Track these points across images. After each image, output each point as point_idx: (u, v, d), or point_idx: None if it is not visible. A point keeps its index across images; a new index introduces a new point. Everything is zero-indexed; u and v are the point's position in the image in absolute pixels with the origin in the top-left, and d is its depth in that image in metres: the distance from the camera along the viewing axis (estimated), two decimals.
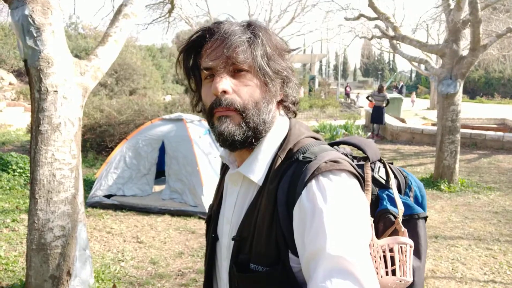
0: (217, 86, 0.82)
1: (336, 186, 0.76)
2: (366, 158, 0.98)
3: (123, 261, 3.74)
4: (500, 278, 3.53)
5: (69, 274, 2.90)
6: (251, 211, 0.87)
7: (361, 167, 0.94)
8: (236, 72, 0.83)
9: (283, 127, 0.92)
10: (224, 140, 0.86)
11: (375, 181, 0.94)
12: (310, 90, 26.38)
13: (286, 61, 0.89)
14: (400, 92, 26.65)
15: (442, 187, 6.34)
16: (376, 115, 11.12)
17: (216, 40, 0.82)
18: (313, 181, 0.77)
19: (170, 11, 5.82)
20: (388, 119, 12.12)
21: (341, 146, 1.03)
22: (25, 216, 4.76)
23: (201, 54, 0.86)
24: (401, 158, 8.74)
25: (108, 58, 3.12)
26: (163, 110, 9.37)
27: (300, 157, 0.83)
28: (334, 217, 0.72)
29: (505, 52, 15.28)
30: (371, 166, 0.97)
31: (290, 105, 0.93)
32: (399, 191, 0.97)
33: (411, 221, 0.93)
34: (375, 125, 11.42)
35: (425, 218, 0.97)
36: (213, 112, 0.85)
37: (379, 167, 0.98)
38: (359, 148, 1.00)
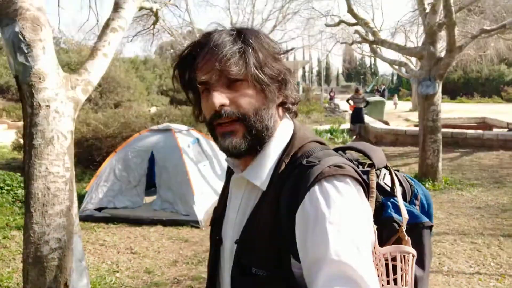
0: (214, 101, 0.82)
1: (339, 192, 0.76)
2: (371, 165, 0.96)
3: (118, 271, 3.77)
4: (485, 269, 3.68)
5: (66, 286, 2.92)
6: (254, 215, 0.87)
7: (366, 173, 0.92)
8: (231, 82, 0.83)
9: (287, 131, 0.92)
10: (230, 154, 0.88)
11: (380, 188, 0.93)
12: None
13: (281, 63, 0.89)
14: (382, 95, 27.13)
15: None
16: (356, 116, 12.06)
17: (207, 53, 0.82)
18: (316, 186, 0.77)
19: (154, 23, 5.90)
20: (372, 121, 12.36)
21: (348, 151, 1.02)
22: (15, 233, 4.74)
23: (194, 68, 0.85)
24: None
25: (98, 71, 3.19)
26: (150, 122, 9.38)
27: (304, 162, 0.82)
28: (337, 222, 0.72)
29: (481, 52, 15.77)
30: (376, 173, 0.95)
31: (291, 106, 0.94)
32: (404, 199, 0.96)
33: (416, 230, 0.92)
34: (357, 125, 12.12)
35: (431, 227, 0.95)
36: (214, 125, 0.86)
37: (384, 174, 0.97)
38: (365, 154, 0.99)
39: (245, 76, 0.82)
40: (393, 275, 0.84)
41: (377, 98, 18.51)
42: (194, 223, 4.95)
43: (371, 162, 0.96)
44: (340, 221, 0.72)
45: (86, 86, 3.08)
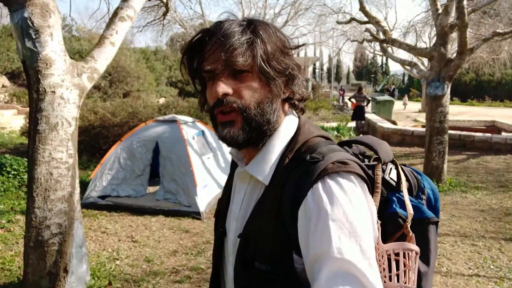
0: (218, 89, 0.82)
1: (343, 189, 0.75)
2: (377, 159, 0.94)
3: (118, 259, 3.82)
4: (484, 272, 3.66)
5: (66, 271, 2.97)
6: (257, 209, 0.87)
7: (372, 167, 0.91)
8: (237, 73, 0.82)
9: (292, 126, 0.91)
10: (228, 144, 0.88)
11: (385, 182, 0.91)
12: None
13: (290, 58, 0.87)
14: (392, 94, 26.98)
15: None
16: (358, 113, 12.67)
17: (215, 42, 0.81)
18: (319, 183, 0.76)
19: (164, 14, 5.91)
20: (379, 121, 12.30)
21: (354, 145, 1.02)
22: (20, 217, 4.81)
23: (202, 56, 0.85)
24: None
25: (104, 60, 3.21)
26: (157, 112, 9.43)
27: (308, 157, 0.82)
28: (340, 220, 0.71)
29: (494, 55, 15.57)
30: (382, 167, 0.93)
31: (297, 102, 0.92)
32: (411, 194, 0.94)
33: (421, 225, 0.90)
34: (359, 122, 12.78)
35: (436, 223, 0.93)
36: (215, 114, 0.86)
37: (390, 169, 0.95)
38: (371, 148, 0.97)
39: (251, 68, 0.82)
40: (396, 271, 0.83)
41: (386, 97, 18.37)
42: (195, 215, 4.98)
43: (377, 156, 0.95)
44: (342, 219, 0.72)
45: (92, 74, 3.10)
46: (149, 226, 4.68)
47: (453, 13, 6.45)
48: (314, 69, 57.78)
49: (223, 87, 0.82)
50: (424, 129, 9.37)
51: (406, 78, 52.12)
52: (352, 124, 14.71)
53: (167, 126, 5.75)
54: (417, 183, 0.97)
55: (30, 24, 2.72)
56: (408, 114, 20.72)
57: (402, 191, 0.91)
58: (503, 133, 11.16)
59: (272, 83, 0.84)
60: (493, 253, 4.03)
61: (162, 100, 20.48)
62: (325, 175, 0.77)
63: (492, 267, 3.75)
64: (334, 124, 13.50)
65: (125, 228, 4.61)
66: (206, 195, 5.31)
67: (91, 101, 10.21)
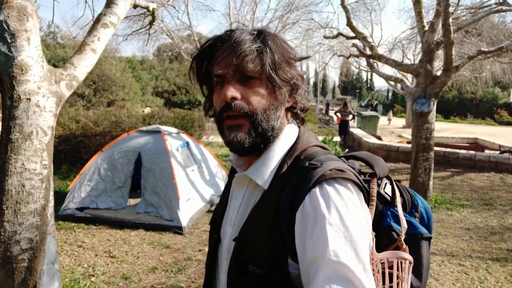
0: (227, 93, 0.84)
1: (340, 194, 0.77)
2: (373, 174, 0.97)
3: (93, 276, 3.63)
4: None
5: None
6: (254, 213, 0.88)
7: (368, 182, 0.94)
8: (245, 79, 0.85)
9: (292, 134, 0.94)
10: (233, 148, 0.89)
11: (380, 197, 0.94)
12: None
13: (294, 69, 0.91)
14: (375, 110, 27.34)
15: None
16: (343, 128, 13.26)
17: (227, 48, 0.85)
18: (317, 188, 0.78)
19: (151, 23, 5.79)
20: (365, 136, 12.33)
21: (350, 160, 1.04)
22: None
23: (213, 62, 0.89)
24: None
25: (85, 67, 3.07)
26: (141, 122, 9.26)
27: (306, 164, 0.84)
28: (336, 224, 0.73)
29: (476, 74, 15.88)
30: (377, 182, 0.96)
31: (299, 112, 0.95)
32: (404, 210, 0.97)
33: (414, 240, 0.93)
34: (342, 136, 13.38)
35: (429, 239, 0.96)
36: (223, 116, 0.88)
37: (385, 184, 0.98)
38: (367, 163, 1.00)
39: (259, 75, 0.85)
40: (389, 282, 0.84)
41: (372, 112, 18.54)
42: (177, 229, 4.82)
43: (372, 171, 0.98)
44: (339, 223, 0.73)
45: (71, 81, 2.96)
46: (128, 241, 4.49)
47: (439, 31, 6.52)
48: None
49: (232, 91, 0.85)
50: (409, 145, 9.42)
51: (390, 94, 52.88)
52: (338, 138, 14.76)
53: (150, 136, 5.60)
54: (411, 199, 1.01)
55: (6, 28, 2.58)
56: (393, 130, 20.93)
57: (396, 206, 0.94)
58: (486, 151, 11.28)
59: (278, 91, 0.88)
60: (480, 274, 3.97)
61: (147, 110, 20.26)
62: (323, 180, 0.79)
63: None
64: (320, 138, 13.49)
65: (103, 242, 4.41)
66: (189, 208, 5.15)
67: (73, 110, 9.95)
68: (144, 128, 5.92)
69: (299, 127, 0.98)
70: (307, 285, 0.71)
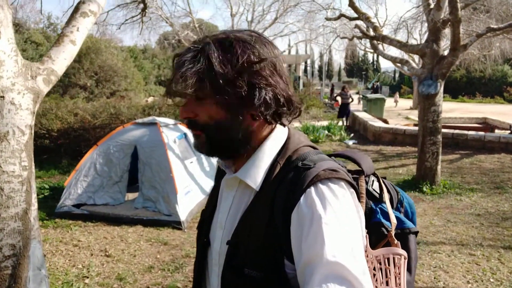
0: (180, 113, 0.89)
1: (335, 194, 0.78)
2: (360, 172, 0.99)
3: (88, 277, 3.50)
4: (484, 286, 3.40)
5: None
6: (246, 216, 0.87)
7: (356, 180, 0.95)
8: (195, 98, 0.85)
9: (282, 135, 0.93)
10: (200, 153, 0.93)
11: (368, 194, 0.97)
12: (294, 90, 26.24)
13: (251, 74, 0.83)
14: (376, 92, 26.77)
15: (424, 189, 6.23)
16: (343, 111, 13.97)
17: (174, 72, 0.86)
18: (312, 188, 0.78)
19: (143, 10, 5.57)
20: (371, 119, 12.07)
21: (336, 159, 1.01)
22: None
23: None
24: (383, 160, 8.65)
25: (63, 60, 2.88)
26: (141, 113, 9.08)
27: (299, 164, 0.84)
28: (332, 223, 0.73)
29: (485, 52, 15.43)
30: (365, 179, 0.98)
31: (269, 117, 0.87)
32: (391, 206, 0.99)
33: (403, 235, 0.96)
34: (344, 119, 14.05)
35: (416, 233, 1.00)
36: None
37: (373, 181, 1.00)
38: (354, 161, 1.01)
39: (209, 91, 0.83)
40: (385, 277, 0.86)
41: (377, 95, 18.18)
42: (176, 224, 4.67)
43: (360, 169, 0.99)
44: (335, 222, 0.73)
45: (49, 76, 2.77)
46: (125, 238, 4.36)
47: (445, 8, 6.20)
48: (305, 66, 57.56)
49: (183, 113, 0.88)
50: (416, 128, 9.17)
51: (397, 75, 52.11)
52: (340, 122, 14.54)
53: (146, 129, 5.43)
54: (397, 195, 1.04)
55: None
56: (400, 112, 20.54)
57: (384, 202, 0.97)
58: (496, 131, 10.98)
59: (231, 103, 0.84)
60: (493, 264, 3.77)
61: (151, 99, 20.07)
62: (317, 181, 0.79)
63: (492, 280, 3.49)
64: (325, 123, 13.24)
65: (99, 241, 4.28)
66: (188, 202, 5.00)
67: (71, 103, 9.80)
68: (139, 120, 5.74)
69: (288, 127, 0.96)
70: (304, 286, 0.71)
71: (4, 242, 2.58)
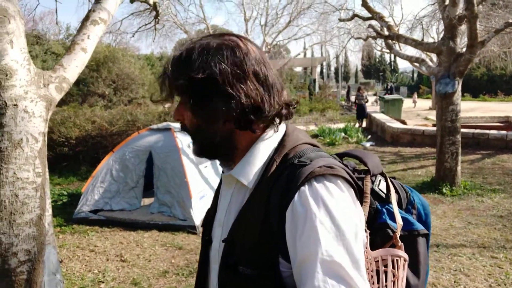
0: (174, 115, 0.92)
1: (329, 191, 0.76)
2: (367, 171, 0.96)
3: (103, 282, 3.53)
4: None
5: None
6: (242, 213, 0.86)
7: (362, 179, 0.93)
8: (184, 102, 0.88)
9: (278, 132, 0.91)
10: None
11: (374, 194, 0.93)
12: (310, 94, 26.13)
13: (212, 83, 0.81)
14: (390, 93, 26.31)
15: (444, 190, 6.08)
16: (360, 112, 14.24)
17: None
18: (306, 185, 0.77)
19: (155, 18, 5.63)
20: (388, 120, 11.89)
21: (344, 159, 1.01)
22: None
23: None
24: (401, 161, 8.49)
25: (75, 67, 2.92)
26: (157, 119, 9.18)
27: (295, 161, 0.83)
28: (327, 222, 0.72)
29: (505, 48, 15.03)
30: (371, 179, 0.95)
31: (241, 121, 0.85)
32: (400, 206, 0.96)
33: (411, 237, 0.92)
34: (361, 120, 14.35)
35: (426, 235, 0.95)
36: None
37: (379, 181, 0.97)
38: (360, 160, 1.00)
39: (183, 100, 0.87)
40: (385, 281, 0.84)
41: (395, 96, 17.92)
42: (190, 229, 4.68)
43: (366, 168, 0.97)
44: (330, 221, 0.72)
45: (61, 84, 2.82)
46: (140, 243, 4.38)
47: (461, 4, 6.07)
48: (321, 69, 57.26)
49: (175, 115, 0.91)
50: (435, 128, 8.99)
51: (415, 75, 51.28)
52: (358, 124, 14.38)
53: (161, 134, 5.47)
54: (406, 196, 1.00)
55: None
56: (419, 112, 20.18)
57: (391, 203, 0.93)
58: None
59: (197, 112, 0.86)
60: None
61: (168, 105, 20.25)
62: (312, 178, 0.78)
63: None
64: (342, 125, 13.11)
65: (115, 246, 4.32)
66: (203, 207, 5.00)
67: (90, 110, 9.98)
68: (154, 126, 5.79)
69: (286, 124, 0.95)
70: (300, 285, 0.71)
71: (19, 248, 2.63)
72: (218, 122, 0.86)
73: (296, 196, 0.77)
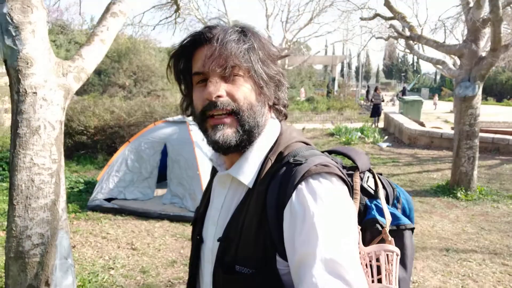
0: (211, 91, 0.82)
1: (326, 189, 0.77)
2: (355, 168, 0.97)
3: (113, 269, 3.62)
4: None
5: (47, 284, 2.78)
6: (238, 212, 0.87)
7: (350, 176, 0.94)
8: (229, 76, 0.84)
9: (274, 130, 0.92)
10: (219, 148, 0.86)
11: (363, 190, 0.95)
12: (328, 92, 25.93)
13: (277, 66, 0.90)
14: (404, 94, 25.74)
15: (458, 195, 5.99)
16: (375, 111, 14.76)
17: (214, 46, 0.82)
18: (303, 184, 0.78)
19: (176, 11, 5.69)
20: (406, 122, 11.73)
21: (331, 156, 1.02)
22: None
23: (192, 59, 0.87)
24: (417, 163, 8.39)
25: (94, 58, 3.00)
26: (174, 112, 9.29)
27: (291, 160, 0.83)
28: (325, 219, 0.73)
29: None
30: (360, 176, 0.96)
31: (282, 108, 0.94)
32: (387, 202, 0.98)
33: (398, 231, 0.94)
34: (375, 118, 14.81)
35: (412, 229, 0.98)
36: (206, 115, 0.85)
37: (368, 177, 0.98)
38: (349, 157, 1.00)
39: (244, 72, 0.84)
40: (378, 275, 0.85)
41: (415, 97, 17.64)
42: None
43: (354, 165, 0.98)
44: (328, 218, 0.73)
45: (79, 74, 2.89)
46: (151, 232, 4.47)
47: (486, 7, 5.94)
48: (342, 67, 56.70)
49: (217, 89, 0.83)
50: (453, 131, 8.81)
51: (438, 77, 50.30)
52: (379, 124, 14.24)
53: (176, 127, 5.54)
54: (393, 192, 1.02)
55: (10, 20, 2.54)
56: (439, 115, 19.83)
57: (379, 199, 0.95)
58: None
59: (265, 87, 0.87)
60: None
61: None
62: (308, 176, 0.79)
63: None
64: (359, 125, 12.99)
65: (127, 234, 4.42)
66: None
67: (109, 101, 10.15)
68: (170, 119, 5.87)
69: (280, 122, 0.96)
70: (298, 282, 0.71)
71: (34, 231, 2.72)
72: (266, 105, 0.90)
73: (293, 194, 0.78)
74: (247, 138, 0.87)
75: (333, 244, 0.70)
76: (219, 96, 0.83)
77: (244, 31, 0.86)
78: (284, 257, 0.78)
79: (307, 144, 0.94)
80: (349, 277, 0.67)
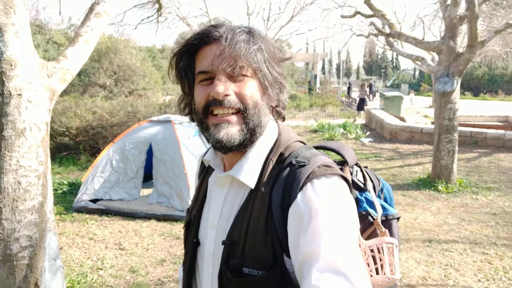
0: (219, 90, 0.82)
1: (330, 189, 0.79)
2: (344, 163, 1.00)
3: (102, 269, 3.61)
4: (495, 285, 3.36)
5: (37, 286, 2.76)
6: (242, 214, 0.87)
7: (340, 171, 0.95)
8: (236, 76, 0.84)
9: (274, 131, 0.94)
10: (221, 147, 0.86)
11: (353, 184, 0.99)
12: (310, 89, 26.11)
13: (281, 68, 0.92)
14: (370, 91, 25.17)
15: (439, 187, 6.16)
16: (361, 105, 15.65)
17: (223, 45, 0.82)
18: (308, 185, 0.80)
19: (158, 10, 5.67)
20: (387, 118, 11.94)
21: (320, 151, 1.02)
22: None
23: (196, 57, 0.87)
24: (399, 158, 8.56)
25: (78, 59, 2.98)
26: (157, 111, 9.23)
27: (294, 161, 0.85)
28: (330, 219, 0.74)
29: (507, 48, 15.04)
30: (349, 170, 1.00)
31: (281, 110, 0.95)
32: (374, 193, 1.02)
33: (387, 221, 1.00)
34: (361, 112, 15.39)
35: (398, 218, 1.04)
36: (208, 111, 0.85)
37: (356, 171, 1.02)
38: (337, 152, 1.03)
39: (251, 73, 0.84)
40: (380, 266, 0.91)
41: (395, 93, 17.95)
42: None
43: (343, 160, 1.01)
44: (333, 218, 0.74)
45: (64, 75, 2.88)
46: (139, 232, 4.46)
47: (462, 4, 6.11)
48: (323, 65, 57.16)
49: (227, 88, 0.83)
50: (433, 126, 9.03)
51: (417, 73, 51.21)
52: (361, 121, 14.45)
53: (161, 126, 5.53)
54: (378, 183, 1.07)
55: None
56: (418, 110, 20.22)
57: (369, 191, 1.00)
58: None
59: (269, 88, 0.88)
60: (506, 263, 3.72)
61: (168, 98, 20.29)
62: (313, 177, 0.80)
63: (504, 279, 3.45)
64: (341, 121, 13.16)
65: (114, 234, 4.40)
66: None
67: (91, 101, 10.02)
68: (155, 118, 5.85)
69: (277, 123, 0.98)
70: (301, 280, 0.72)
71: (21, 233, 2.70)
72: (269, 105, 0.91)
73: (299, 195, 0.79)
74: (249, 137, 0.87)
75: (337, 243, 0.71)
76: (226, 95, 0.83)
77: (251, 32, 0.87)
78: (291, 257, 0.79)
79: (303, 143, 0.95)
80: (352, 275, 0.68)
